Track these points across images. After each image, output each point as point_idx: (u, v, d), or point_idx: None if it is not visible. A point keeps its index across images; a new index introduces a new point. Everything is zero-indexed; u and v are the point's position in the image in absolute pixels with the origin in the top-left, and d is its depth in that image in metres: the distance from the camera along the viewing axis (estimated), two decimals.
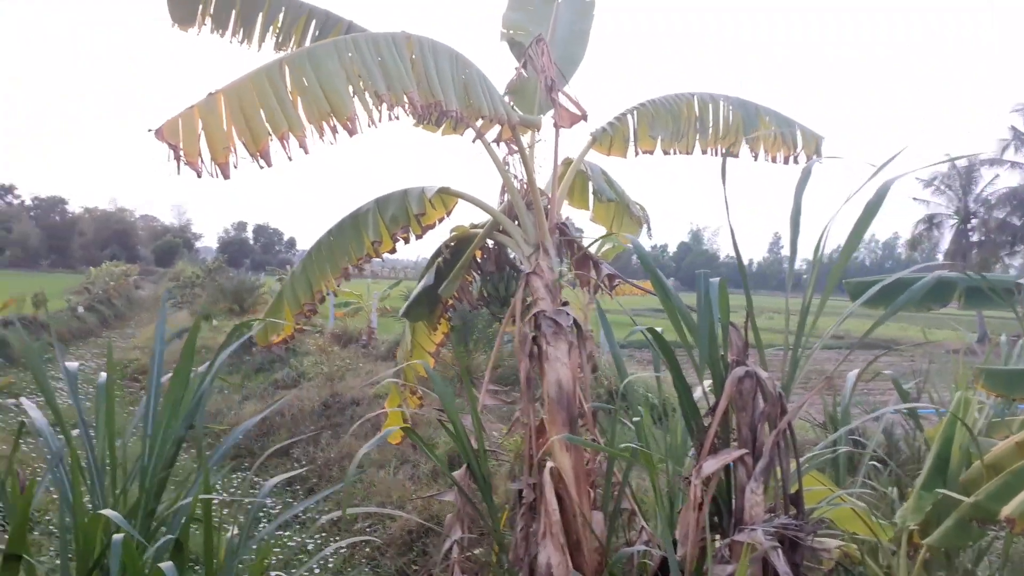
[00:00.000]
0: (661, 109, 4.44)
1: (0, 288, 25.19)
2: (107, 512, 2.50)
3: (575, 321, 3.68)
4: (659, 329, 3.24)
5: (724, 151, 4.55)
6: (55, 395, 3.21)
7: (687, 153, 4.55)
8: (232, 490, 7.13)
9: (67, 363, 3.29)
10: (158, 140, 2.49)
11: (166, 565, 2.26)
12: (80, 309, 21.80)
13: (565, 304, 3.79)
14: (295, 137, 2.78)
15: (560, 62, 4.34)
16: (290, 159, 2.77)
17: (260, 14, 4.29)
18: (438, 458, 3.54)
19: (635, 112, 4.41)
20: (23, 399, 3.37)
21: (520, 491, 3.64)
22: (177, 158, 2.57)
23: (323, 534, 6.19)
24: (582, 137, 4.42)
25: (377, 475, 6.91)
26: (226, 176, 2.65)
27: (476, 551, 3.61)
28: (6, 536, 2.94)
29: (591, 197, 4.94)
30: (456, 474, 3.64)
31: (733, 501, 2.95)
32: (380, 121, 3.01)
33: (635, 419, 3.68)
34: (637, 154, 4.43)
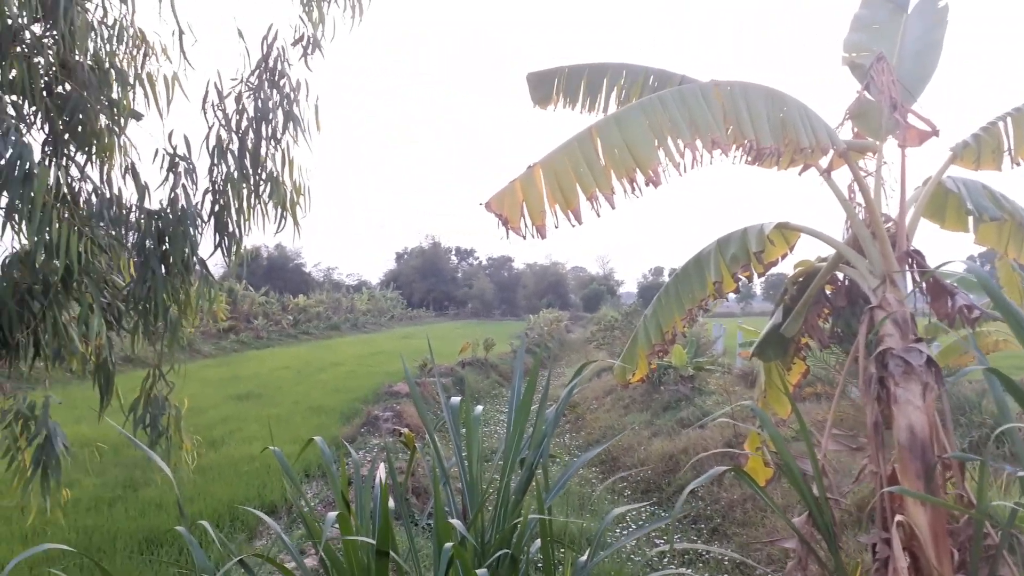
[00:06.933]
0: None
1: (465, 335, 30.50)
2: (453, 521, 2.97)
3: (929, 359, 3.27)
4: None
5: None
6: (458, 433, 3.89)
7: None
8: (640, 522, 7.53)
9: (452, 399, 3.98)
10: (487, 212, 3.00)
11: (480, 571, 2.60)
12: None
13: (919, 340, 3.39)
14: (602, 194, 3.09)
15: (908, 78, 3.95)
16: (598, 216, 3.08)
17: (604, 81, 4.75)
18: (772, 502, 3.41)
19: (1008, 119, 3.77)
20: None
21: (873, 545, 3.33)
22: (505, 225, 3.05)
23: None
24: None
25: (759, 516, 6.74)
26: (543, 237, 3.05)
27: None
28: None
29: (969, 218, 4.29)
30: (796, 521, 3.47)
31: None
32: (685, 169, 3.16)
33: (1020, 473, 3.11)
34: (1017, 165, 3.76)
